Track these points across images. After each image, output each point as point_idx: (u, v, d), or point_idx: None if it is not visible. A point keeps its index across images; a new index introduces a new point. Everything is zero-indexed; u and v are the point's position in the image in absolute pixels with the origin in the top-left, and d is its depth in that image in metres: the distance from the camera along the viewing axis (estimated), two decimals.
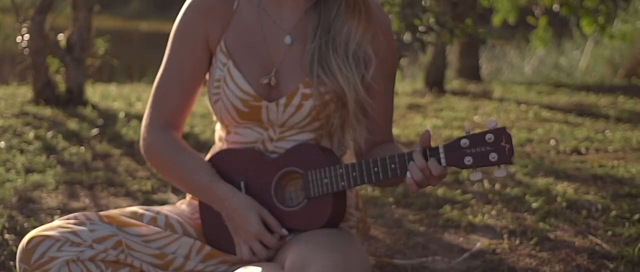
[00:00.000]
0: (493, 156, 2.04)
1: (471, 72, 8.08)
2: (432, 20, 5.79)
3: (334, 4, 2.27)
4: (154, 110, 2.34)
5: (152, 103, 2.35)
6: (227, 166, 2.33)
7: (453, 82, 7.78)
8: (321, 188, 2.21)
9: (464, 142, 2.07)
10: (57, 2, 5.75)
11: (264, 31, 2.29)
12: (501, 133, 2.03)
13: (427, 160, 2.08)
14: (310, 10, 2.29)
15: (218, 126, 2.42)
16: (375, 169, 2.14)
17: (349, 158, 2.42)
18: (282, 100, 2.26)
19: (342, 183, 2.19)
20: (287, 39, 2.29)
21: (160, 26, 19.58)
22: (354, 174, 2.17)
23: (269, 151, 2.31)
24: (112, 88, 6.91)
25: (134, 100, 6.21)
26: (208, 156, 2.38)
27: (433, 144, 4.69)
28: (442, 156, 2.08)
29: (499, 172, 2.03)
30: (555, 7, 9.16)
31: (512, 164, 2.47)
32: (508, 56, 11.77)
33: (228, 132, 2.36)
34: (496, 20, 9.47)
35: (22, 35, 5.56)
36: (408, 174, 2.09)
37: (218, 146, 2.41)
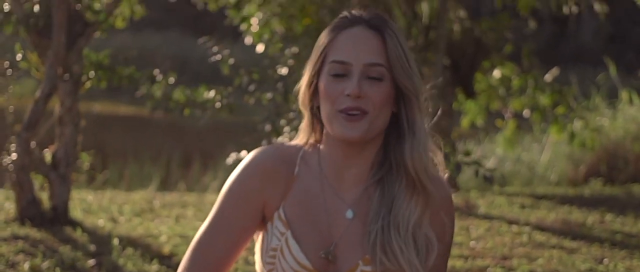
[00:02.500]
0: None
1: (448, 179, 8.06)
2: None
3: (395, 182, 2.22)
4: (192, 265, 2.23)
5: (191, 256, 2.23)
6: None
7: None
8: None
9: None
10: (44, 118, 5.59)
11: (326, 203, 2.21)
12: None
13: None
14: (371, 187, 2.24)
15: None
16: None
17: None
18: None
19: None
20: (349, 214, 2.21)
21: (113, 108, 19.39)
22: None
23: None
24: (90, 197, 6.74)
25: (116, 214, 6.06)
26: None
27: None
28: None
29: None
30: (526, 112, 9.29)
31: None
32: (472, 152, 11.80)
33: None
34: (465, 122, 9.53)
35: (9, 153, 5.41)
36: None
37: None
